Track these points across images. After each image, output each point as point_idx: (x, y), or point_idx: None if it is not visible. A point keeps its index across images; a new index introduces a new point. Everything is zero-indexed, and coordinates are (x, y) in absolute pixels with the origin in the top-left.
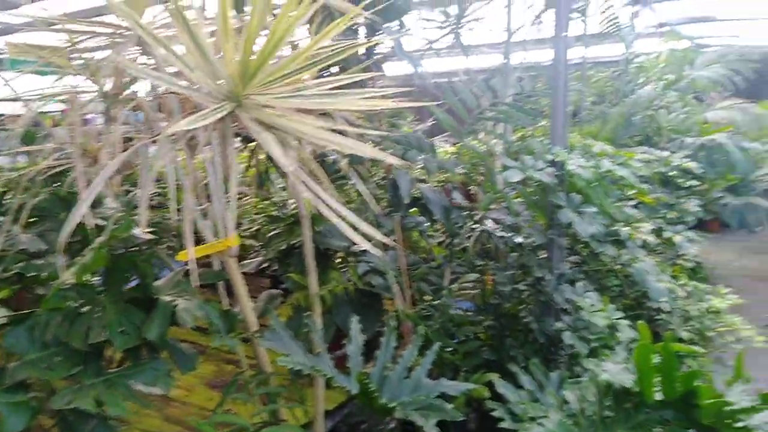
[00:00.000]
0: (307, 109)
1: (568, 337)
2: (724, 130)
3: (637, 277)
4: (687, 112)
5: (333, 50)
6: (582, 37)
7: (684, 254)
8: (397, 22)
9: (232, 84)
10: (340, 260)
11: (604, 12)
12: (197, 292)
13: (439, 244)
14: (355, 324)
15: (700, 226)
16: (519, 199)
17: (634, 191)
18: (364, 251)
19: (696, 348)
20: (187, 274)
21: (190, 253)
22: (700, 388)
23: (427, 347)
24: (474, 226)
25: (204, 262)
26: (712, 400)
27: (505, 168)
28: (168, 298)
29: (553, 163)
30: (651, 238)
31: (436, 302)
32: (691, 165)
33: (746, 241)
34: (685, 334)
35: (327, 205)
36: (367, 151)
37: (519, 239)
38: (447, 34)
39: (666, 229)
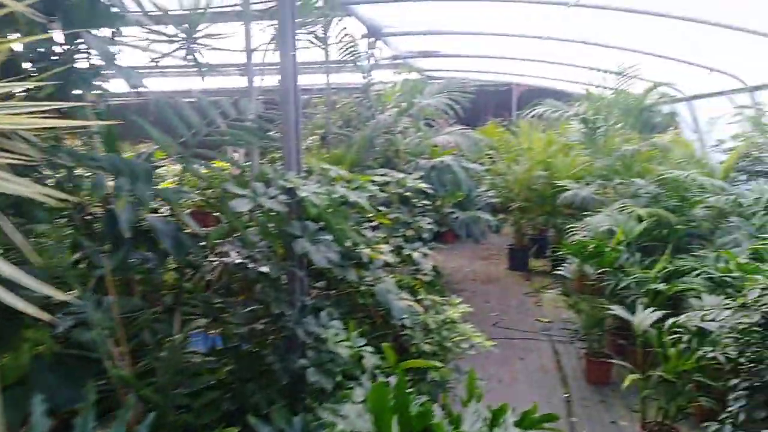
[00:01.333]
0: None
1: (311, 374)
2: (450, 152)
3: (380, 297)
4: (420, 136)
5: None
6: (324, 64)
7: (422, 269)
8: (109, 32)
9: None
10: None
11: (342, 41)
12: None
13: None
14: (37, 405)
15: (438, 238)
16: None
17: (373, 213)
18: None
19: (435, 362)
20: None
21: None
22: (434, 425)
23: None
24: (214, 259)
25: None
26: None
27: (236, 196)
28: None
29: (288, 191)
30: (391, 258)
31: (161, 354)
32: (423, 185)
33: (474, 249)
34: (427, 347)
35: None
36: None
37: (265, 269)
38: (178, 49)
39: (405, 246)
